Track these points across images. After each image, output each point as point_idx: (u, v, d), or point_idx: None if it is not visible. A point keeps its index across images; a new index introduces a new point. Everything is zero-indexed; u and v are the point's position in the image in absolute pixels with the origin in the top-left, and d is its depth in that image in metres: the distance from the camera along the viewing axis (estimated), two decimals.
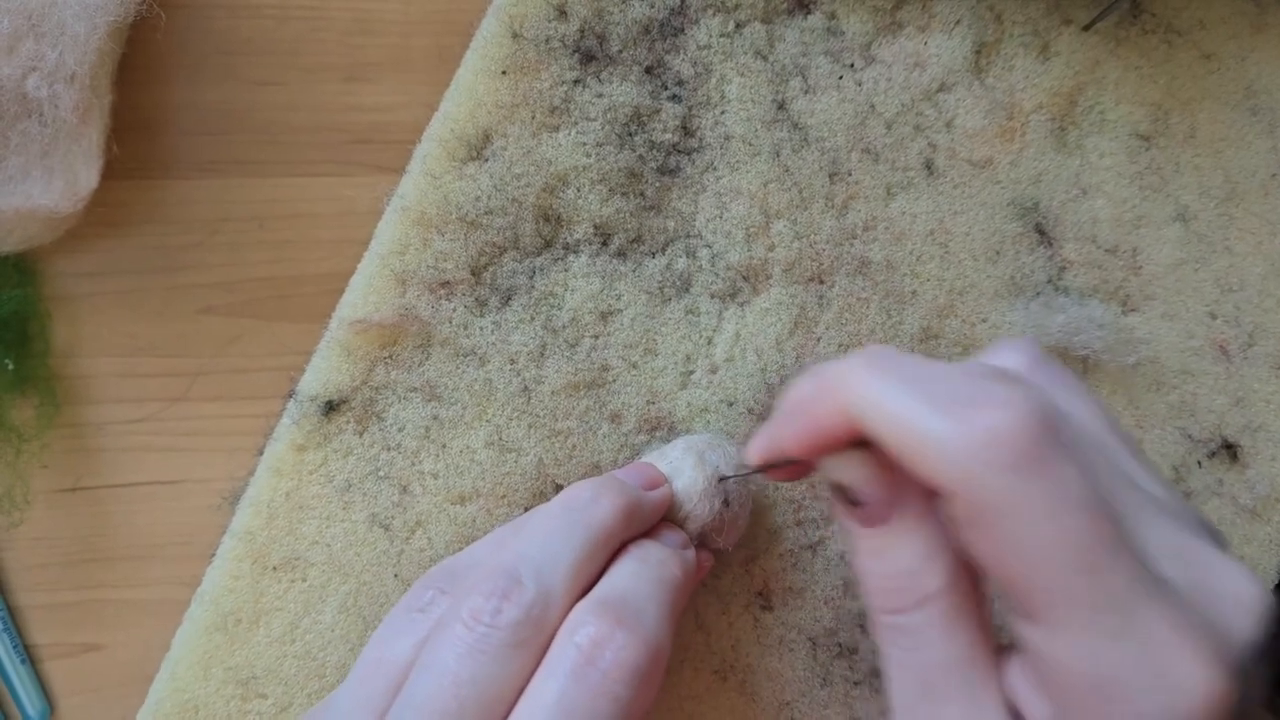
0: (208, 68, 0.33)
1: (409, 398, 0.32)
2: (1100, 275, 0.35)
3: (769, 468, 0.25)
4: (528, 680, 0.24)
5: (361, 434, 0.32)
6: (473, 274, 0.33)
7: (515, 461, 0.32)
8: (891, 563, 0.23)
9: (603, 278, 0.33)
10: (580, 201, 0.33)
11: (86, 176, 0.31)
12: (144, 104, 0.33)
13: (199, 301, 0.34)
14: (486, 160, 0.33)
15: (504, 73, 0.33)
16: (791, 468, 0.25)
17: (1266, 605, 0.22)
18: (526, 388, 0.32)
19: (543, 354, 0.33)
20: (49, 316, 0.33)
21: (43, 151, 0.30)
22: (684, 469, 0.30)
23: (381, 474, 0.32)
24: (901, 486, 0.23)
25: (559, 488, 0.32)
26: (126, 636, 0.33)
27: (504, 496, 0.32)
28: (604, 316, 0.33)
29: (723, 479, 0.30)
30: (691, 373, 0.33)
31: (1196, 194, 0.36)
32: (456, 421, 0.32)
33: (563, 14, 0.33)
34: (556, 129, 0.33)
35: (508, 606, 0.24)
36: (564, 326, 0.33)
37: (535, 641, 0.24)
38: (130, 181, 0.33)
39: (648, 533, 0.29)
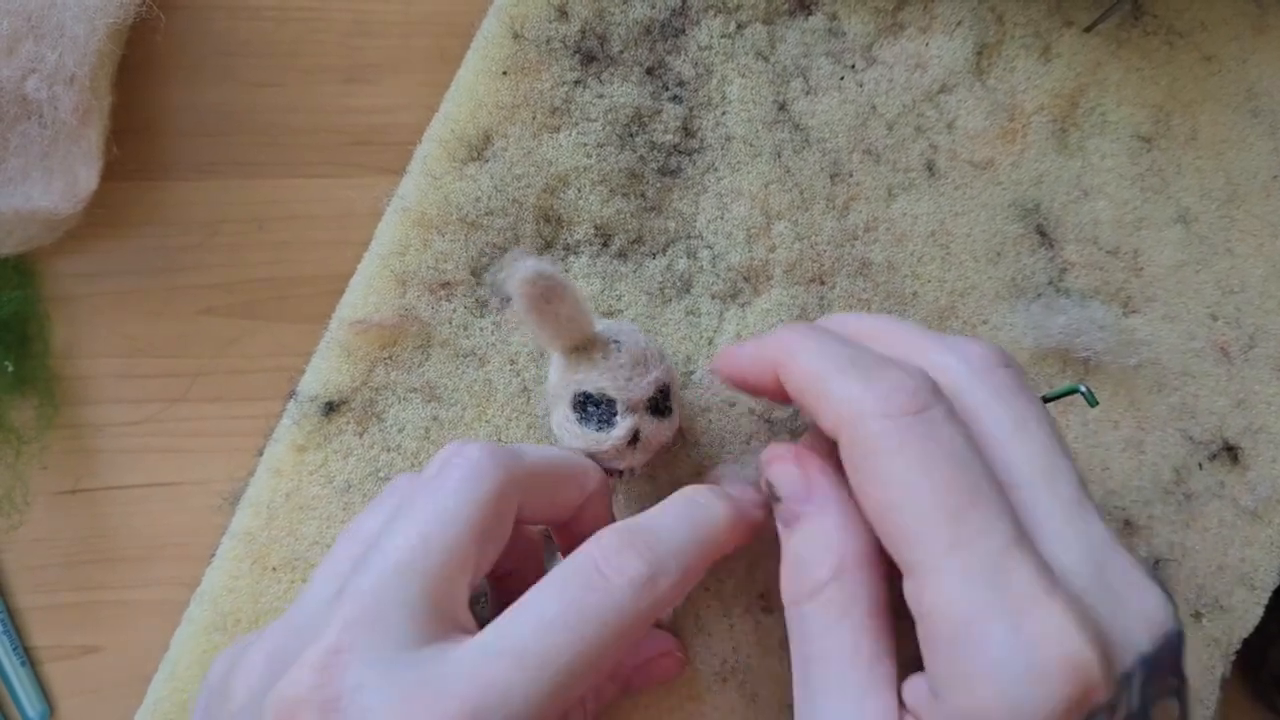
0: (207, 69, 0.33)
1: (409, 398, 0.32)
2: (1101, 277, 0.35)
3: None
4: (498, 532, 0.25)
5: (361, 435, 0.32)
6: (473, 274, 0.32)
7: None
8: (793, 554, 0.26)
9: (603, 278, 0.33)
10: (581, 202, 0.33)
11: (86, 178, 0.31)
12: (143, 105, 0.33)
13: (198, 302, 0.33)
14: (487, 161, 0.32)
15: (505, 73, 0.33)
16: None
17: (1167, 629, 0.22)
18: (526, 388, 0.32)
19: (543, 354, 0.32)
20: (48, 318, 0.33)
21: (42, 153, 0.30)
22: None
23: (382, 475, 0.32)
24: (814, 485, 0.26)
25: None
26: (126, 637, 0.33)
27: None
28: (605, 317, 0.33)
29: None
30: (692, 373, 0.33)
31: (1198, 196, 0.36)
32: (456, 422, 0.32)
33: (564, 14, 0.33)
34: (557, 129, 0.33)
35: (484, 454, 0.25)
36: None
37: (502, 499, 0.25)
38: (130, 183, 0.33)
39: None
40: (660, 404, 0.29)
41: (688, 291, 0.33)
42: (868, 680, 0.23)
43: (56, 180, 0.31)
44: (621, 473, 0.30)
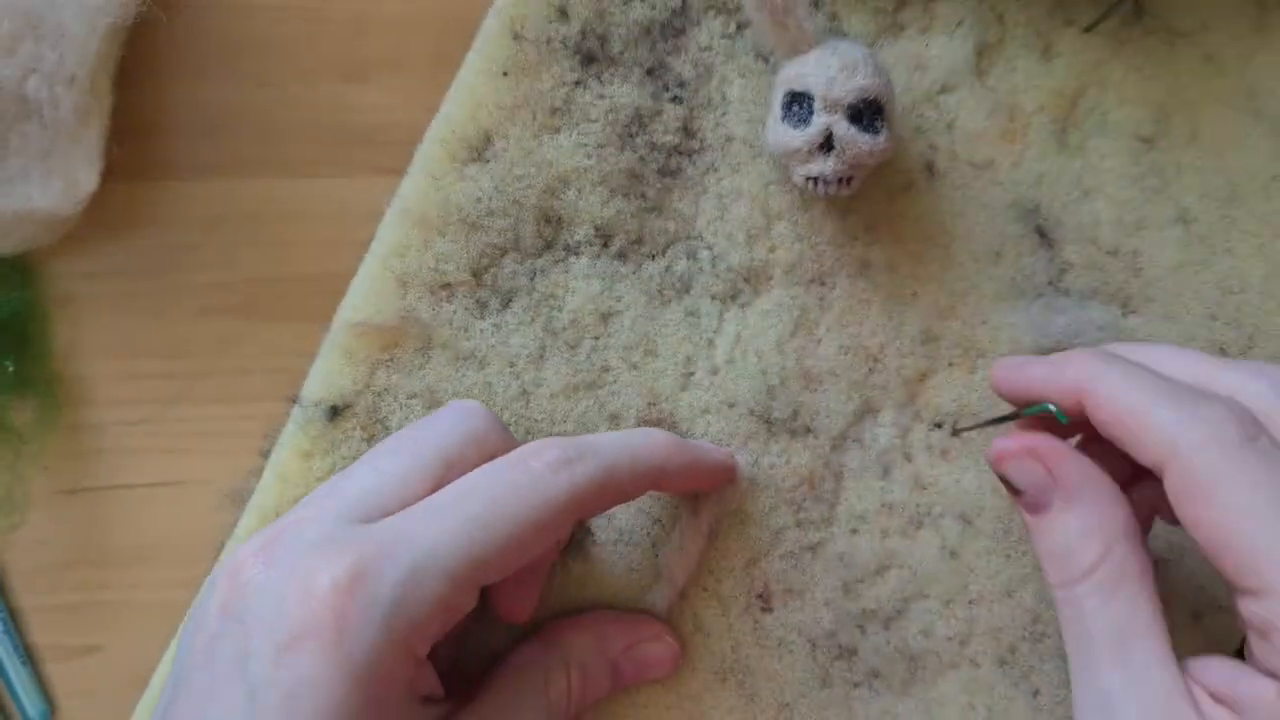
0: (208, 69, 0.33)
1: (410, 404, 0.32)
2: (1101, 277, 0.35)
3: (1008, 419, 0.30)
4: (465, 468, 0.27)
5: (369, 440, 0.32)
6: (473, 275, 0.32)
7: None
8: (1052, 540, 0.27)
9: (603, 279, 0.33)
10: (581, 203, 0.33)
11: (86, 178, 0.31)
12: (144, 105, 0.33)
13: (199, 302, 0.33)
14: (488, 161, 0.32)
15: (505, 74, 0.32)
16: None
17: None
18: (525, 391, 0.32)
19: (542, 356, 0.33)
20: (49, 318, 0.33)
21: (42, 153, 0.30)
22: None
23: None
24: (1057, 477, 0.27)
25: None
26: (126, 638, 0.33)
27: None
28: (604, 318, 0.33)
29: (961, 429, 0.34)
30: (692, 374, 0.33)
31: (1198, 196, 0.36)
32: None
33: (564, 15, 0.33)
34: (558, 130, 0.33)
35: (478, 406, 0.29)
36: (564, 328, 0.33)
37: (479, 442, 0.28)
38: (130, 183, 0.33)
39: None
40: (865, 115, 0.30)
41: (687, 292, 0.33)
42: (1153, 650, 0.25)
43: (56, 180, 0.31)
44: (817, 182, 0.31)
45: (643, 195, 0.33)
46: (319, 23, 0.34)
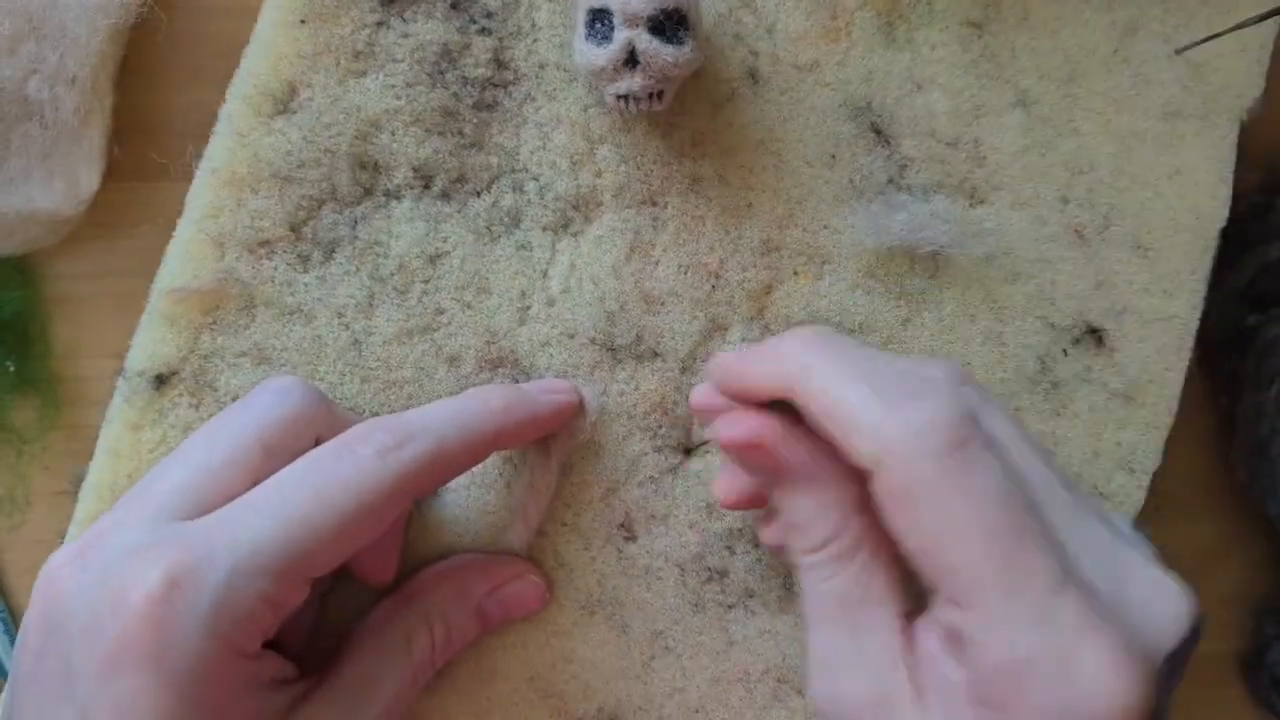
0: (208, 70, 0.33)
1: (238, 363, 0.32)
2: (943, 170, 0.34)
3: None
4: (287, 453, 0.26)
5: (197, 406, 0.31)
6: (292, 230, 0.32)
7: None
8: (790, 514, 0.26)
9: (427, 221, 0.32)
10: (396, 146, 0.32)
11: (87, 178, 0.32)
12: (145, 106, 0.34)
13: None
14: (294, 113, 0.32)
15: (303, 22, 0.32)
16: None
17: (1191, 619, 0.23)
18: (357, 340, 0.32)
19: (371, 304, 0.32)
20: (50, 318, 0.34)
21: (44, 154, 0.31)
22: None
23: None
24: (785, 464, 0.26)
25: None
26: None
27: None
28: (432, 260, 0.32)
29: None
30: (528, 308, 0.33)
31: (1036, 78, 0.35)
32: None
33: None
34: (363, 74, 0.32)
35: (294, 384, 0.28)
36: (391, 274, 0.32)
37: (297, 422, 0.27)
38: (131, 183, 0.33)
39: None
40: (667, 26, 0.29)
41: (517, 226, 0.33)
42: (879, 619, 0.25)
43: (58, 181, 0.31)
44: (628, 99, 0.30)
45: (460, 132, 0.32)
46: None
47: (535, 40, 0.33)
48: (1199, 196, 0.35)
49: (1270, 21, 0.33)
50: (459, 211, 0.32)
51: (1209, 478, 0.41)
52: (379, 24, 0.32)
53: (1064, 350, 0.35)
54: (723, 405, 0.27)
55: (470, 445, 0.28)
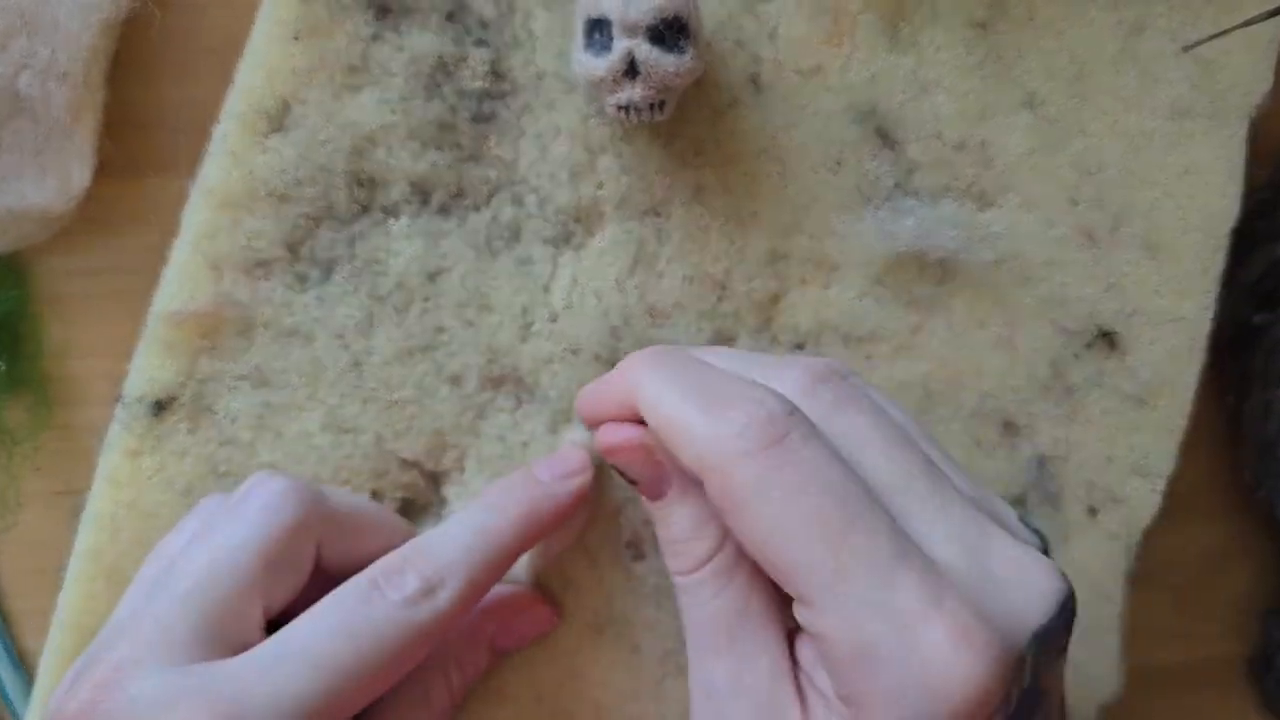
0: (201, 65, 0.32)
1: (237, 387, 0.31)
2: (950, 173, 0.34)
3: None
4: (291, 567, 0.26)
5: (194, 432, 0.31)
6: (289, 250, 0.31)
7: (354, 441, 0.31)
8: (670, 529, 0.26)
9: (426, 237, 0.32)
10: (393, 161, 0.31)
11: (79, 175, 0.31)
12: (138, 101, 0.33)
13: None
14: (288, 130, 0.31)
15: (296, 37, 0.31)
16: None
17: (1057, 595, 0.23)
18: (357, 361, 0.31)
19: (371, 324, 0.31)
20: (41, 317, 0.33)
21: (35, 150, 0.30)
22: None
23: (221, 471, 0.31)
24: (669, 467, 0.26)
25: (403, 462, 0.31)
26: None
27: (346, 480, 0.31)
28: (432, 277, 0.32)
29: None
30: (531, 324, 0.32)
31: (1043, 78, 0.34)
32: (289, 406, 0.31)
33: None
34: (358, 89, 0.31)
35: (285, 488, 0.26)
36: (391, 293, 0.31)
37: (297, 533, 0.26)
38: (124, 180, 0.33)
39: None
40: (667, 35, 0.29)
41: (517, 240, 0.32)
42: (762, 638, 0.24)
43: (49, 177, 0.30)
44: (628, 110, 0.30)
45: (457, 145, 0.32)
46: None
47: (533, 50, 0.32)
48: (1209, 195, 0.35)
49: (1279, 17, 0.33)
50: (458, 227, 0.32)
51: (1215, 478, 0.40)
52: (373, 38, 0.31)
53: (1075, 354, 0.34)
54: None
55: (499, 569, 0.27)
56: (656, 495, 0.27)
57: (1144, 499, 0.34)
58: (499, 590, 0.31)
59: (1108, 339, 0.34)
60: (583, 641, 0.32)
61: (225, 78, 0.31)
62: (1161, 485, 0.35)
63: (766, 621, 0.25)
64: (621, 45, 0.29)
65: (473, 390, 0.32)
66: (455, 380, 0.32)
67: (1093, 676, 0.34)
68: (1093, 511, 0.34)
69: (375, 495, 0.31)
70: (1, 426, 0.33)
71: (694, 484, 0.25)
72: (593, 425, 0.28)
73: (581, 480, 0.29)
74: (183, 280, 0.31)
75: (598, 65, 0.29)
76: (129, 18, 0.32)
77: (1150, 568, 0.36)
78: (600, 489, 0.32)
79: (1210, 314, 0.35)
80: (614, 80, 0.29)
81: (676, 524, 0.26)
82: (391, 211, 0.32)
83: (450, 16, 0.32)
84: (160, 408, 0.31)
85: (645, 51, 0.29)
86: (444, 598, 0.25)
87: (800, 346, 0.33)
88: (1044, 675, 0.23)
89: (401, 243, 0.32)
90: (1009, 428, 0.34)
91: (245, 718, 0.22)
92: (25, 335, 0.33)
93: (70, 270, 0.33)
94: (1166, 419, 0.35)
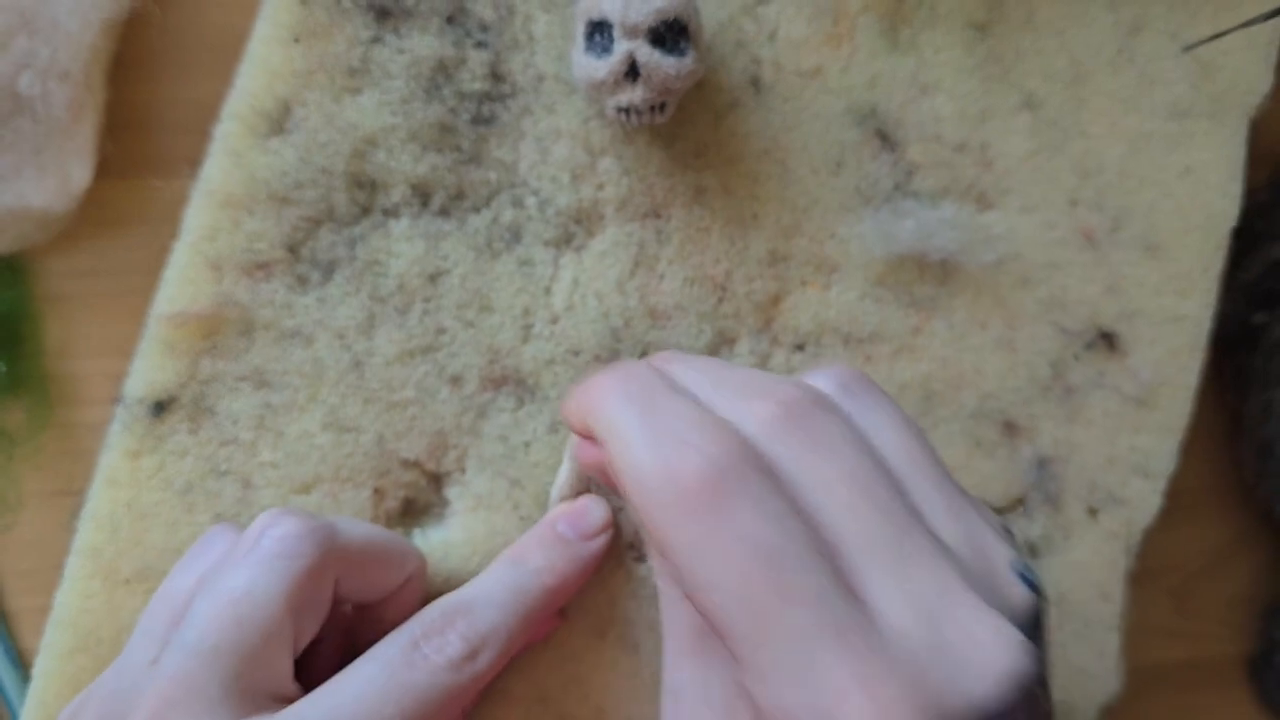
0: (202, 64, 0.32)
1: (238, 388, 0.31)
2: (950, 175, 0.34)
3: None
4: (313, 610, 0.25)
5: (195, 432, 0.31)
6: (290, 251, 0.31)
7: (355, 441, 0.31)
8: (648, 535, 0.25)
9: (427, 239, 0.32)
10: (393, 163, 0.32)
11: (79, 174, 0.31)
12: (138, 101, 0.33)
13: None
14: (289, 132, 0.31)
15: (296, 40, 0.31)
16: None
17: (1017, 679, 0.20)
18: (358, 362, 0.31)
19: (372, 325, 0.31)
20: (41, 317, 0.33)
21: (35, 149, 0.30)
22: None
23: (221, 470, 0.31)
24: None
25: (404, 462, 0.31)
26: (120, 640, 0.32)
27: (347, 479, 0.31)
28: (433, 279, 0.32)
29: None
30: (531, 325, 0.32)
31: (1042, 79, 0.34)
32: (290, 406, 0.31)
33: None
34: (358, 91, 0.31)
35: (301, 531, 0.26)
36: (391, 294, 0.31)
37: (317, 576, 0.25)
38: (124, 180, 0.33)
39: None
40: (667, 37, 0.29)
41: (518, 242, 0.32)
42: (723, 652, 0.23)
43: (49, 177, 0.30)
44: (629, 112, 0.30)
45: (458, 147, 0.32)
46: None
47: (533, 53, 0.32)
48: (1210, 195, 0.35)
49: (1278, 18, 0.33)
50: (458, 228, 0.32)
51: (1216, 477, 0.40)
52: (373, 40, 0.31)
53: (1076, 355, 0.34)
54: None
55: (533, 630, 0.28)
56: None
57: (1144, 499, 0.35)
58: None
59: (1108, 340, 0.34)
60: (586, 644, 0.32)
61: (226, 77, 0.32)
62: (1163, 485, 0.35)
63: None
64: (622, 47, 0.29)
65: (474, 391, 0.32)
66: (456, 381, 0.32)
67: (1093, 676, 0.34)
68: (1093, 512, 0.34)
69: (377, 494, 0.31)
70: (1, 426, 0.33)
71: None
72: (569, 425, 0.27)
73: (605, 538, 0.30)
74: (183, 281, 0.31)
75: (598, 67, 0.29)
76: (129, 17, 0.32)
77: (1150, 567, 0.36)
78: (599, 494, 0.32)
79: (1210, 314, 0.35)
80: (614, 82, 0.29)
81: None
82: (392, 213, 0.32)
83: (450, 19, 0.32)
84: (161, 408, 0.31)
85: (646, 54, 0.29)
86: (484, 660, 0.26)
87: (801, 348, 0.33)
88: None
89: (402, 244, 0.32)
90: (1010, 428, 0.34)
91: None
92: (25, 335, 0.33)
93: (70, 270, 0.33)
94: (1167, 419, 0.35)
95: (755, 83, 0.33)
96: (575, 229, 0.32)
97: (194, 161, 0.31)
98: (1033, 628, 0.22)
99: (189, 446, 0.31)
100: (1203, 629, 0.40)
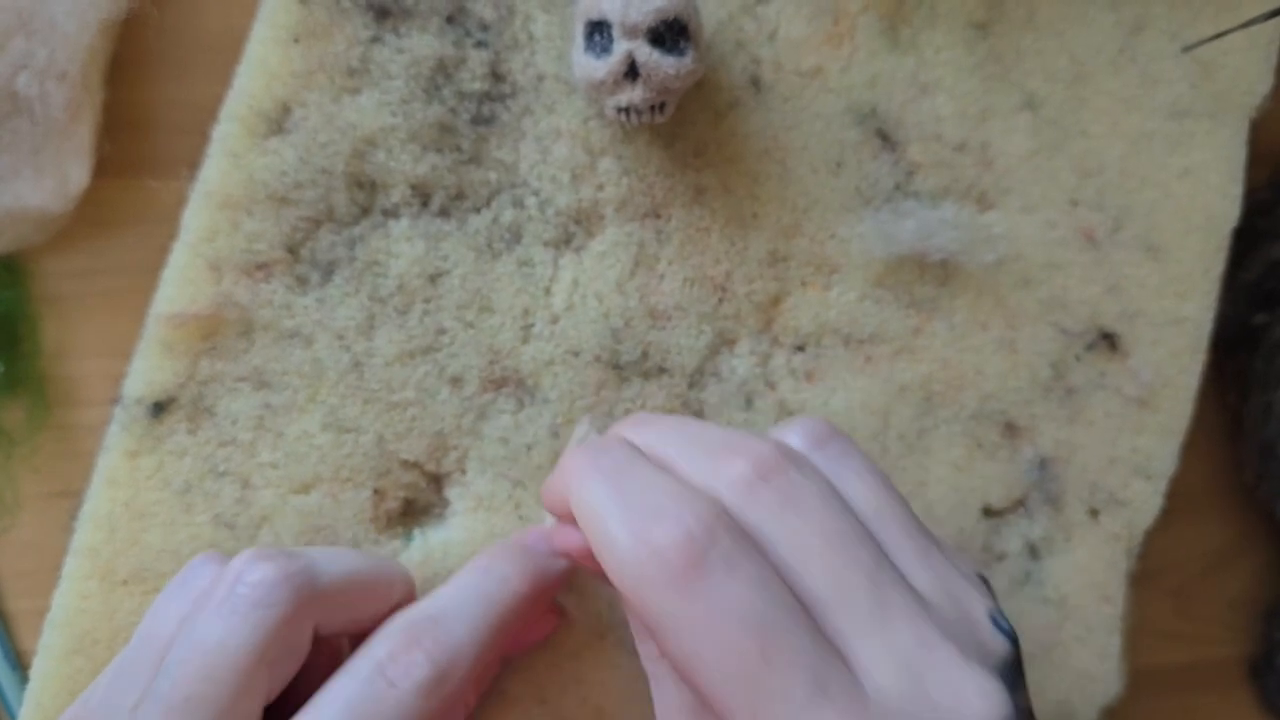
0: (200, 64, 0.32)
1: (237, 388, 0.31)
2: (951, 175, 0.34)
3: None
4: (290, 655, 0.24)
5: (194, 432, 0.31)
6: (289, 252, 0.31)
7: (355, 441, 0.31)
8: (635, 619, 0.24)
9: (427, 239, 0.32)
10: (392, 163, 0.31)
11: (77, 175, 0.31)
12: (136, 102, 0.33)
13: None
14: (288, 132, 0.31)
15: (295, 40, 0.31)
16: None
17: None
18: (358, 363, 0.31)
19: (371, 325, 0.31)
20: (39, 317, 0.33)
21: (33, 150, 0.30)
22: None
23: (220, 471, 0.31)
24: None
25: (404, 463, 0.31)
26: (119, 641, 0.32)
27: (347, 480, 0.31)
28: (433, 279, 0.32)
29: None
30: (531, 326, 0.32)
31: (1042, 79, 0.34)
32: (289, 407, 0.31)
33: None
34: (358, 91, 0.31)
35: (278, 578, 0.24)
36: (391, 295, 0.31)
37: (293, 624, 0.24)
38: (122, 180, 0.33)
39: None
40: (667, 37, 0.29)
41: (518, 242, 0.32)
42: None
43: (47, 178, 0.30)
44: (629, 112, 0.30)
45: (458, 147, 0.32)
46: None
47: (533, 53, 0.32)
48: (1210, 196, 0.35)
49: (1279, 18, 0.33)
50: (458, 229, 0.32)
51: (1216, 479, 0.40)
52: (373, 40, 0.31)
53: (1077, 356, 0.34)
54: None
55: (504, 642, 0.27)
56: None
57: (1145, 500, 0.34)
58: None
59: (1109, 340, 0.34)
60: (585, 646, 0.32)
61: (224, 77, 0.31)
62: (1163, 486, 0.35)
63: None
64: (622, 47, 0.29)
65: (474, 392, 0.32)
66: (456, 381, 0.32)
67: (1093, 677, 0.34)
68: (1094, 513, 0.34)
69: (377, 495, 0.31)
70: None
71: None
72: (561, 517, 0.26)
73: (565, 564, 0.29)
74: (182, 282, 0.31)
75: (598, 67, 0.29)
76: (127, 17, 0.32)
77: (1151, 569, 0.36)
78: None
79: (1211, 315, 0.35)
80: (614, 82, 0.29)
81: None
82: (392, 214, 0.32)
83: (450, 19, 0.32)
84: (159, 409, 0.31)
85: (645, 53, 0.29)
86: (453, 682, 0.24)
87: (801, 348, 0.33)
88: None
89: (402, 245, 0.31)
90: (1010, 429, 0.34)
91: None
92: (23, 336, 0.33)
93: (68, 271, 0.33)
94: (1168, 420, 0.34)
95: (755, 82, 0.33)
96: (575, 229, 0.32)
97: (192, 162, 0.31)
98: (1014, 674, 0.23)
99: (188, 447, 0.31)
100: (1203, 631, 0.40)
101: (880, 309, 0.33)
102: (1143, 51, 0.35)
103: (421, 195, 0.32)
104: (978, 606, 0.23)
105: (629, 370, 0.32)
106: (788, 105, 0.33)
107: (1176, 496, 0.35)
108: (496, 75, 0.32)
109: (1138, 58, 0.35)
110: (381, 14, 0.32)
